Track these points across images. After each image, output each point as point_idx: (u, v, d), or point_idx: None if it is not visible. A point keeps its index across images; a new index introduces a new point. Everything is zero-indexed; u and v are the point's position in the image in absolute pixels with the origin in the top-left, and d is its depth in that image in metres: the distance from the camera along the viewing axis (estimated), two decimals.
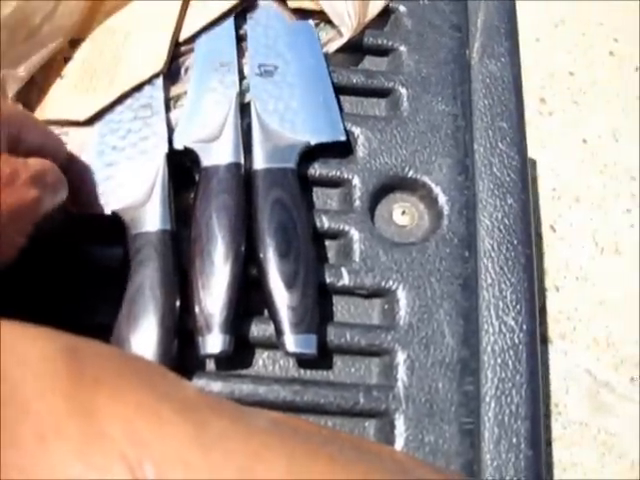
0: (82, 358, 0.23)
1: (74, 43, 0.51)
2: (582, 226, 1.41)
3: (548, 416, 1.26)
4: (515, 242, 0.46)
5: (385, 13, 0.54)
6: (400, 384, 0.42)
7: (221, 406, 0.23)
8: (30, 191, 0.35)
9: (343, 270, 0.44)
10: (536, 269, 0.46)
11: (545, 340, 1.31)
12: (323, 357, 0.42)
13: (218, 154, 0.45)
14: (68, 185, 0.40)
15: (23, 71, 0.48)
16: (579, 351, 1.30)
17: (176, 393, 0.23)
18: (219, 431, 0.22)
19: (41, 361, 0.22)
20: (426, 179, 0.47)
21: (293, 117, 0.47)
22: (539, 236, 1.40)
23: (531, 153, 1.52)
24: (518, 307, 0.44)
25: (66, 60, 0.51)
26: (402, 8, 0.54)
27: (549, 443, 1.23)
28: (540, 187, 1.46)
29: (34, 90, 0.50)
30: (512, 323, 0.44)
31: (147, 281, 0.41)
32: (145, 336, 0.40)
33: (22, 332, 0.23)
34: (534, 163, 1.47)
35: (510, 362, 0.43)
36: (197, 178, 0.45)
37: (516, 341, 0.44)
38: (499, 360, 0.43)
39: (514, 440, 0.42)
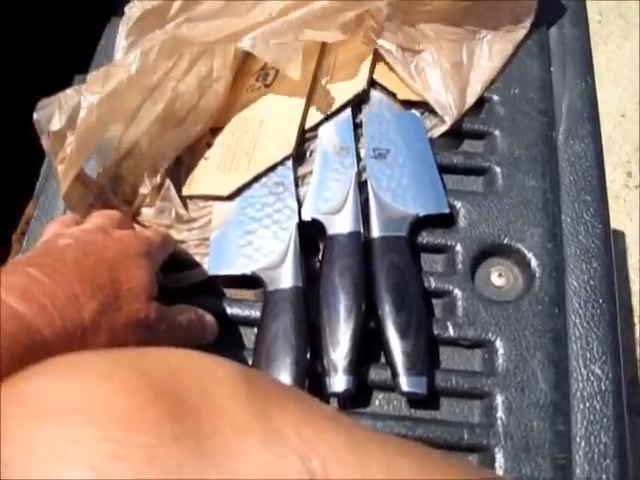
0: (253, 378, 0.31)
1: (214, 131, 0.61)
2: None
3: None
4: (600, 301, 0.52)
5: (480, 102, 0.61)
6: (499, 423, 0.48)
7: (355, 420, 0.31)
8: None
9: (449, 324, 0.51)
10: (629, 340, 0.50)
11: None
12: (431, 398, 0.49)
13: (341, 224, 0.53)
14: None
15: (172, 152, 0.58)
16: None
17: (324, 409, 0.31)
18: (361, 437, 0.29)
19: (226, 377, 0.29)
20: (520, 246, 0.54)
21: (404, 193, 0.55)
22: (630, 308, 1.41)
23: (618, 225, 1.53)
24: (604, 358, 0.50)
25: (208, 145, 0.60)
26: (495, 97, 0.62)
27: None
28: (629, 258, 1.48)
29: (181, 169, 0.59)
30: (599, 372, 0.50)
31: (282, 329, 0.49)
32: (281, 375, 0.47)
33: (208, 356, 0.31)
34: (622, 235, 1.49)
35: (598, 406, 0.48)
36: (323, 245, 0.53)
37: (603, 388, 0.49)
38: (587, 404, 0.49)
39: (603, 477, 0.47)
